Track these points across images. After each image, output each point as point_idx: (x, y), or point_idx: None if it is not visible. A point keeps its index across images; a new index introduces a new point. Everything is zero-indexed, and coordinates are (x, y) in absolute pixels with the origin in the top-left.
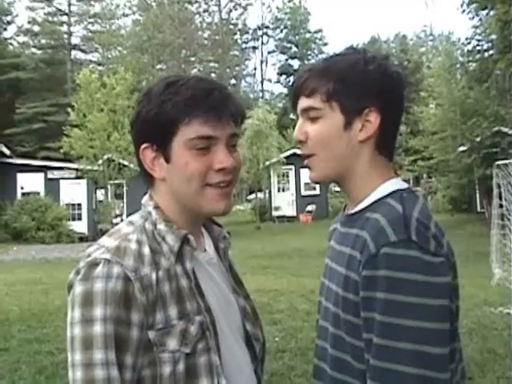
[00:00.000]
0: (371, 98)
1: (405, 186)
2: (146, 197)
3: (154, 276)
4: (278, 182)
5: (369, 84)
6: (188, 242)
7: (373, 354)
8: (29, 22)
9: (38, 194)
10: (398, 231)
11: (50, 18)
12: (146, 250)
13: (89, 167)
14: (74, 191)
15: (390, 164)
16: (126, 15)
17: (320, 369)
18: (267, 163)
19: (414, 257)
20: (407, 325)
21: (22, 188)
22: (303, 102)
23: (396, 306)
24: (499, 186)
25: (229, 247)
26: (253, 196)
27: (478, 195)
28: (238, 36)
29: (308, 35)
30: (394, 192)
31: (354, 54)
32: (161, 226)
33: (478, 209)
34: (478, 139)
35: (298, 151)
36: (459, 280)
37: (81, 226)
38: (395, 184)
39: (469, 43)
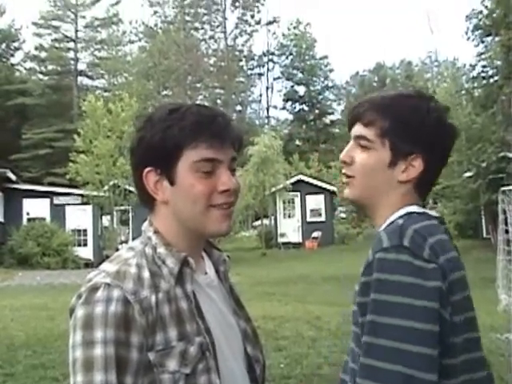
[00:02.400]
0: (421, 146)
1: (421, 210)
2: (146, 223)
3: (153, 298)
4: (284, 209)
5: (424, 133)
6: (188, 265)
7: (362, 352)
8: (36, 48)
9: (44, 219)
10: (392, 238)
11: (57, 44)
12: (146, 274)
13: (95, 193)
14: (79, 217)
15: (420, 199)
16: (132, 42)
17: (343, 381)
18: (273, 189)
19: (403, 261)
20: (391, 323)
21: (27, 213)
22: (358, 130)
23: (382, 305)
24: (505, 212)
25: (229, 270)
26: (258, 222)
27: (483, 221)
28: (243, 62)
29: (314, 61)
30: (406, 214)
31: (418, 99)
32: (161, 250)
33: (484, 235)
34: (484, 165)
35: (304, 178)
36: None
37: (86, 252)
38: (411, 208)
39: (474, 69)
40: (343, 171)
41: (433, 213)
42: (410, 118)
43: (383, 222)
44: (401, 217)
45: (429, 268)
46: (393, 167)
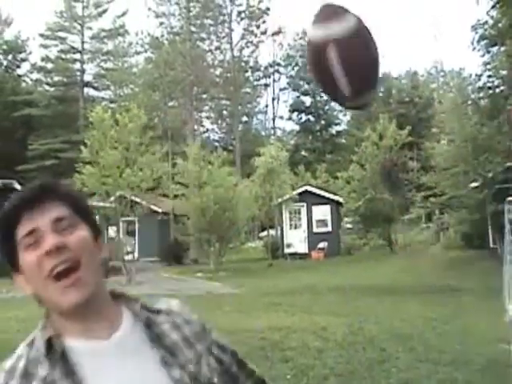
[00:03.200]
0: None
1: None
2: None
3: None
4: (290, 219)
5: None
6: (59, 341)
7: None
8: (42, 59)
9: None
10: None
11: (63, 56)
12: (21, 363)
13: (101, 204)
14: None
15: None
16: (139, 53)
17: None
18: (279, 200)
19: None
20: None
21: None
22: None
23: None
24: (511, 222)
25: (152, 318)
26: (265, 233)
27: (490, 231)
28: (249, 73)
29: None
30: None
31: None
32: (38, 333)
33: (491, 245)
34: (490, 175)
35: (311, 189)
36: (472, 318)
37: None
38: None
39: (479, 79)
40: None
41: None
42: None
43: None
44: None
45: None
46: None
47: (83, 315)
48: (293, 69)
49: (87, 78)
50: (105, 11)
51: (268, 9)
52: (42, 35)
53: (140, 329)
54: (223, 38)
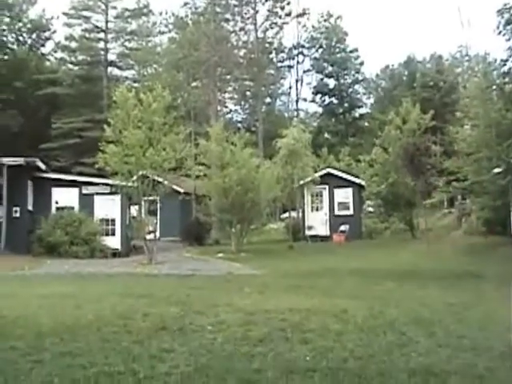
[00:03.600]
0: None
1: None
2: None
3: None
4: (312, 202)
5: None
6: None
7: None
8: (66, 39)
9: (73, 208)
10: None
11: (87, 35)
12: None
13: (123, 183)
14: (107, 207)
15: None
16: (163, 33)
17: None
18: (301, 182)
19: None
20: None
21: (56, 202)
22: None
23: None
24: None
25: None
26: (286, 215)
27: None
28: (273, 55)
29: (344, 54)
30: None
31: None
32: None
33: None
34: None
35: (333, 171)
36: (492, 304)
37: (114, 242)
38: None
39: (505, 64)
40: None
41: None
42: None
43: None
44: None
45: None
46: None
47: None
48: (317, 51)
49: (111, 57)
50: None
51: None
52: (66, 14)
53: None
54: (248, 19)
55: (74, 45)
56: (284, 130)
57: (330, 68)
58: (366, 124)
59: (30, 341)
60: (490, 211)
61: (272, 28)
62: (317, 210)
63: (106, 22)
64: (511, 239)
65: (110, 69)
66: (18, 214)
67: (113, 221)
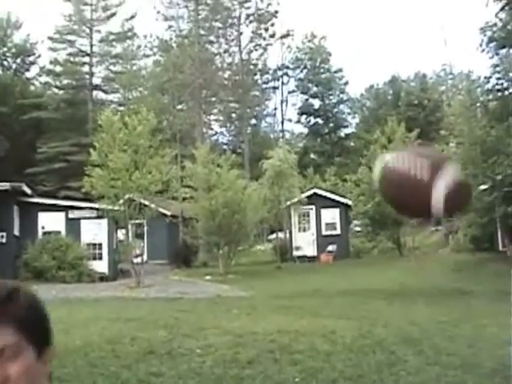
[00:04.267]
0: None
1: None
2: None
3: None
4: (299, 222)
5: None
6: None
7: None
8: (51, 63)
9: (59, 233)
10: None
11: (72, 59)
12: None
13: (110, 207)
14: (94, 231)
15: None
16: (147, 56)
17: None
18: (288, 203)
19: None
20: None
21: (43, 227)
22: None
23: None
24: None
25: None
26: (273, 236)
27: (499, 234)
28: (258, 76)
29: (328, 75)
30: None
31: None
32: None
33: (500, 247)
34: (500, 177)
35: (319, 191)
36: (481, 320)
37: (101, 266)
38: None
39: (488, 82)
40: None
41: None
42: None
43: None
44: None
45: None
46: None
47: None
48: (301, 71)
49: (96, 81)
50: (113, 14)
51: (277, 12)
52: (50, 38)
53: None
54: (232, 40)
55: (58, 69)
56: (270, 151)
57: (315, 88)
58: (352, 144)
59: None
60: (477, 228)
61: (256, 50)
62: (304, 230)
63: (91, 45)
64: (499, 255)
65: (95, 92)
66: (4, 240)
67: (100, 245)
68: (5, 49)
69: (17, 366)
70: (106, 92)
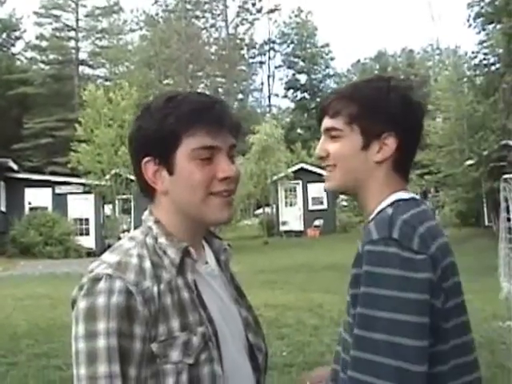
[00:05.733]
0: (390, 124)
1: (408, 196)
2: (147, 212)
3: (155, 289)
4: (286, 197)
5: (389, 112)
6: (189, 255)
7: (352, 345)
8: (37, 38)
9: (46, 208)
10: (381, 230)
11: (58, 34)
12: (147, 264)
13: (96, 182)
14: (81, 206)
15: (404, 181)
16: (134, 31)
17: (334, 371)
18: (275, 178)
19: (391, 253)
20: (381, 316)
21: (29, 203)
22: (327, 122)
23: (373, 299)
24: (507, 200)
25: (230, 259)
26: (260, 211)
27: (485, 209)
28: (244, 51)
29: (315, 50)
30: (395, 201)
31: (379, 82)
32: (162, 240)
33: (486, 223)
34: (486, 153)
35: (306, 166)
36: (467, 295)
37: (88, 241)
38: (399, 195)
39: (475, 57)
40: (322, 164)
41: (419, 197)
42: (372, 100)
43: (372, 211)
44: (389, 205)
45: (418, 259)
46: (366, 150)
47: (201, 238)
48: (288, 46)
49: (82, 56)
50: None
51: None
52: (36, 13)
53: (218, 266)
54: (218, 15)
55: (44, 44)
56: (256, 125)
57: (302, 63)
58: None
59: (5, 343)
60: (463, 203)
61: (243, 24)
62: (291, 205)
63: (77, 20)
64: (485, 230)
65: (81, 67)
66: None
67: (87, 220)
68: None
69: (237, 166)
70: (92, 67)
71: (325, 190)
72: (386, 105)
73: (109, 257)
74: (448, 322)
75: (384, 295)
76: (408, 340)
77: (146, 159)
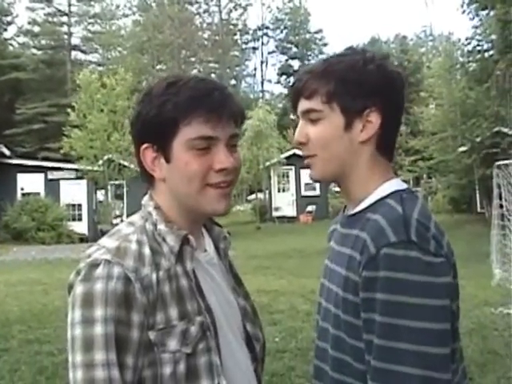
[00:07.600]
0: (371, 99)
1: (404, 186)
2: (146, 197)
3: (154, 276)
4: (279, 183)
5: (368, 84)
6: (188, 243)
7: (374, 356)
8: (29, 23)
9: (38, 194)
10: (398, 232)
11: (50, 19)
12: (147, 251)
13: (89, 168)
14: (74, 192)
15: (390, 164)
16: (126, 16)
17: (321, 369)
18: (267, 164)
19: (414, 257)
20: (408, 325)
21: (22, 189)
22: (303, 104)
23: (397, 307)
24: (499, 187)
25: (229, 247)
26: (253, 196)
27: (478, 195)
28: (238, 36)
29: (308, 36)
30: (393, 192)
31: (353, 55)
32: (161, 227)
33: (478, 209)
34: (478, 139)
35: (299, 152)
36: (459, 281)
37: (81, 227)
38: (395, 185)
39: (469, 43)
40: (302, 153)
41: (411, 187)
42: (349, 75)
43: (362, 198)
44: (389, 197)
45: (437, 262)
46: (350, 129)
47: (200, 225)
48: (281, 32)
49: (75, 41)
50: None
51: None
52: None
53: (217, 254)
54: (211, 0)
55: (36, 29)
56: (249, 111)
57: (295, 49)
58: None
59: None
60: (455, 189)
61: (236, 9)
62: (283, 191)
63: (69, 5)
64: (477, 217)
65: (73, 53)
66: None
67: (79, 206)
68: None
69: (237, 156)
70: (84, 52)
71: (311, 179)
72: (364, 77)
73: (107, 242)
74: (453, 325)
75: (407, 303)
76: (434, 348)
77: (145, 145)
